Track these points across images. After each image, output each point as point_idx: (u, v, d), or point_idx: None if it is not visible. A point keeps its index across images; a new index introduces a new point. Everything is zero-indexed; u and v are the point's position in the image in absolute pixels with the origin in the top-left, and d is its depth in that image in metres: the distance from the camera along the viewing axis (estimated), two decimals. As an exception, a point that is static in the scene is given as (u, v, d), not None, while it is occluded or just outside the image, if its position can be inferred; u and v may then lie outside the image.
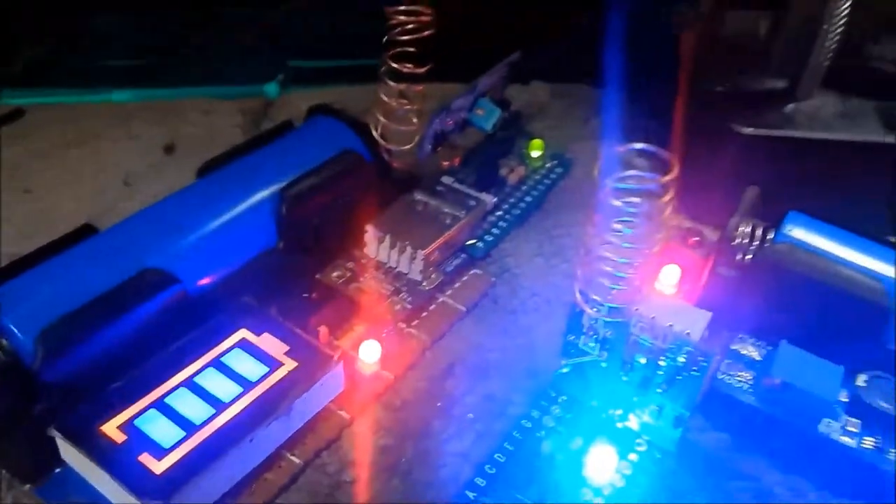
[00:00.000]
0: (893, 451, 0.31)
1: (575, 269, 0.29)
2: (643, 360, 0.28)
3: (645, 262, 0.26)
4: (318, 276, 0.35)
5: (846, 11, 0.41)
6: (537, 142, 0.44)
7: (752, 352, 0.34)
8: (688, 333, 0.29)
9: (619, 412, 0.30)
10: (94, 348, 0.27)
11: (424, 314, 0.36)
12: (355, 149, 0.37)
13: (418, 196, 0.38)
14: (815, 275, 0.33)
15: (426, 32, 0.33)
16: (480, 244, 0.39)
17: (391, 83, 0.34)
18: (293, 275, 0.34)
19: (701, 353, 0.27)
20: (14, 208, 0.39)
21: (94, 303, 0.27)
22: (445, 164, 0.40)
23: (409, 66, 0.34)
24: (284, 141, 0.36)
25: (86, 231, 0.31)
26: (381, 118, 0.35)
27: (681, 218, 0.44)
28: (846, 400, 0.32)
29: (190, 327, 0.30)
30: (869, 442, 0.31)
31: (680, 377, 0.28)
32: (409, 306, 0.35)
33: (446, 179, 0.40)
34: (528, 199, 0.42)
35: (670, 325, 0.29)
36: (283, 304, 0.33)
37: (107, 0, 0.47)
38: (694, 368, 0.28)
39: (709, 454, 0.31)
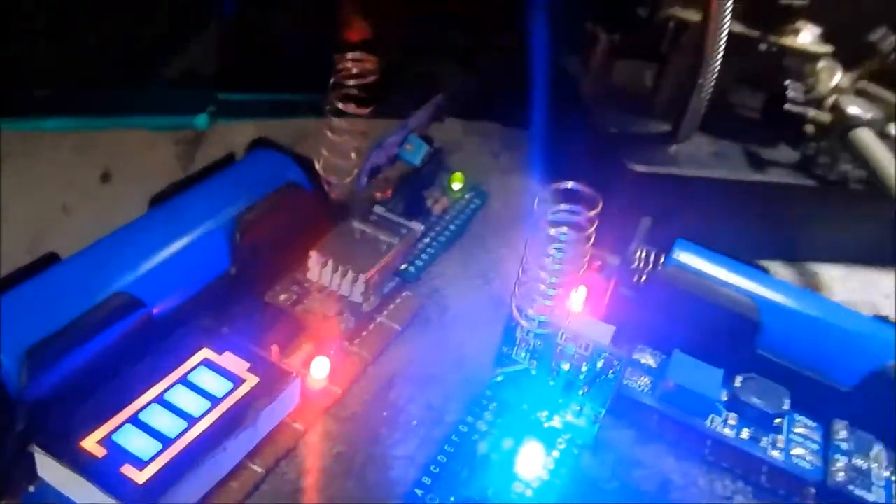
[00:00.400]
0: (766, 439, 0.37)
1: (513, 287, 0.33)
2: (567, 367, 0.33)
3: (571, 282, 0.31)
4: (266, 298, 0.38)
5: (718, 66, 0.48)
6: (458, 175, 0.49)
7: (649, 360, 0.40)
8: (605, 343, 0.34)
9: (546, 413, 0.35)
10: (72, 368, 0.29)
11: (364, 333, 0.39)
12: (298, 180, 0.40)
13: (356, 225, 0.41)
14: (699, 294, 0.39)
15: (370, 78, 0.37)
16: (412, 268, 0.43)
17: (335, 120, 0.38)
18: (245, 297, 0.37)
19: (616, 358, 0.32)
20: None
21: (71, 325, 0.29)
22: (378, 195, 0.43)
23: (353, 106, 0.38)
24: (232, 172, 0.39)
25: (50, 259, 0.32)
26: (325, 152, 0.39)
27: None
28: (726, 398, 0.38)
29: (155, 347, 0.32)
30: (745, 433, 0.37)
31: (598, 380, 0.33)
32: (351, 326, 0.38)
33: (378, 209, 0.44)
34: (452, 227, 0.46)
35: (589, 336, 0.34)
36: (237, 325, 0.36)
37: (34, 30, 0.48)
38: (610, 372, 0.33)
39: (617, 448, 0.36)
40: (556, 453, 0.35)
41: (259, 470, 0.32)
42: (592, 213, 0.30)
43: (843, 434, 0.38)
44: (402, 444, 0.34)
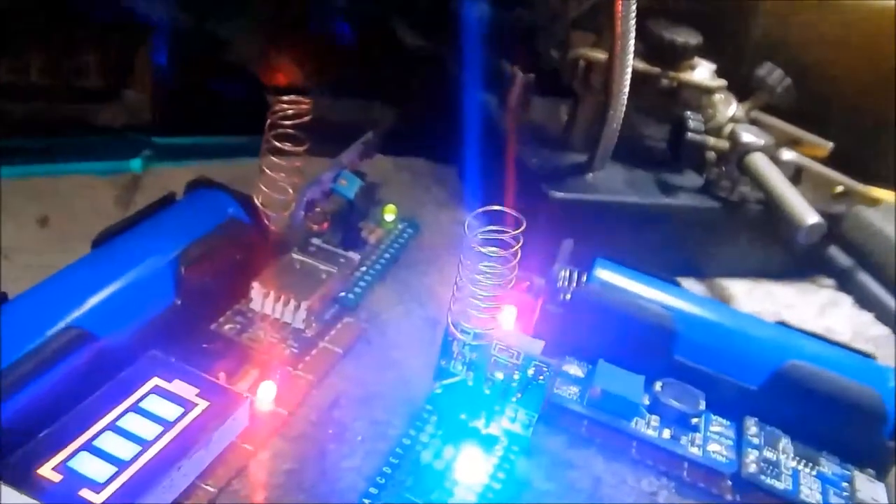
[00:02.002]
0: (685, 438, 0.40)
1: (449, 303, 0.36)
2: (501, 376, 0.36)
3: (501, 296, 0.34)
4: (212, 327, 0.40)
5: (624, 100, 0.52)
6: (390, 207, 0.51)
7: (577, 370, 0.43)
8: (535, 352, 0.37)
9: (483, 421, 0.37)
10: (28, 400, 0.30)
11: (308, 358, 0.41)
12: (238, 216, 0.42)
13: (295, 256, 0.43)
14: (620, 307, 0.43)
15: (304, 118, 0.39)
16: (351, 295, 0.45)
17: (273, 158, 0.40)
18: (192, 329, 0.38)
19: (545, 364, 0.35)
20: None
21: (22, 360, 0.30)
22: (315, 227, 0.46)
23: (289, 145, 0.40)
24: (174, 211, 0.41)
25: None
26: (264, 188, 0.41)
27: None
28: (648, 402, 0.42)
29: (107, 378, 0.33)
30: (667, 433, 0.40)
31: (529, 386, 0.36)
32: (295, 351, 0.40)
33: (316, 241, 0.46)
34: (387, 255, 0.49)
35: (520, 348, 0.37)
36: (186, 355, 0.37)
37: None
38: (540, 377, 0.35)
39: (551, 452, 0.39)
40: (494, 459, 0.37)
41: (212, 489, 0.33)
42: (516, 231, 0.33)
43: (753, 430, 0.42)
44: (349, 458, 0.36)
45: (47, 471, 0.29)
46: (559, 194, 0.52)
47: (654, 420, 0.41)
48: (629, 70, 0.51)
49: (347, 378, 0.41)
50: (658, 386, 0.42)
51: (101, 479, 0.29)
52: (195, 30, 0.53)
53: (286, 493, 0.34)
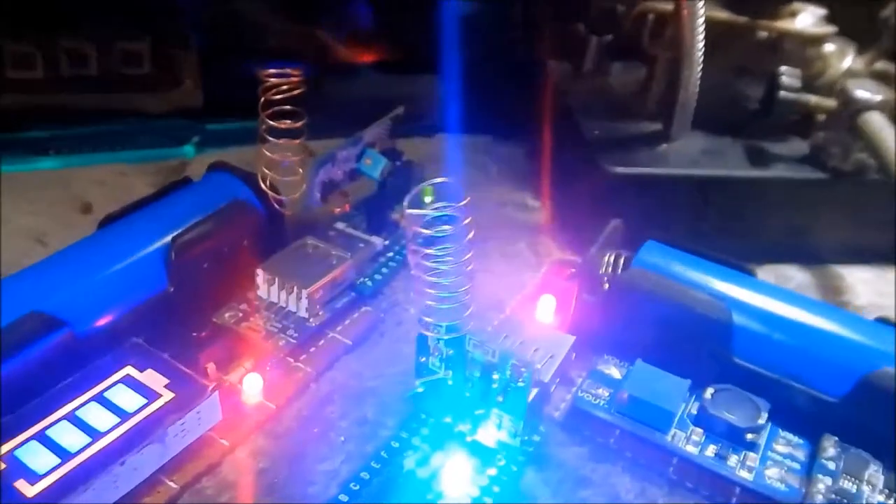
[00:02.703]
0: (735, 457, 0.33)
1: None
2: (478, 375, 0.31)
3: (468, 281, 0.29)
4: (213, 318, 0.38)
5: (700, 57, 0.45)
6: (427, 188, 0.47)
7: (614, 371, 0.37)
8: (511, 348, 0.33)
9: (469, 426, 0.32)
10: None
11: (313, 349, 0.38)
12: (246, 199, 0.40)
13: (310, 241, 0.41)
14: (665, 297, 0.36)
15: (296, 91, 0.37)
16: (369, 283, 0.42)
17: (271, 139, 0.38)
18: (184, 316, 0.37)
19: (523, 365, 0.30)
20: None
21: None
22: (336, 210, 0.43)
23: (287, 122, 0.37)
24: (179, 193, 0.40)
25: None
26: (266, 171, 0.39)
27: (565, 253, 0.47)
28: (695, 412, 0.35)
29: (81, 365, 0.33)
30: (711, 450, 0.34)
31: (509, 389, 0.31)
32: (293, 341, 0.37)
33: (339, 225, 0.43)
34: (419, 240, 0.45)
35: (516, 344, 0.32)
36: (175, 344, 0.36)
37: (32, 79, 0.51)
38: (519, 380, 0.30)
39: (566, 465, 0.34)
40: (486, 469, 0.32)
41: (174, 486, 0.31)
42: (461, 204, 0.28)
43: (831, 451, 0.34)
44: (328, 461, 0.33)
45: (-9, 459, 0.29)
46: (618, 169, 0.45)
47: (697, 433, 0.34)
48: (701, 21, 0.43)
49: (349, 372, 0.37)
50: (709, 393, 0.35)
51: (41, 471, 0.28)
52: (240, 14, 0.52)
53: (253, 495, 0.32)
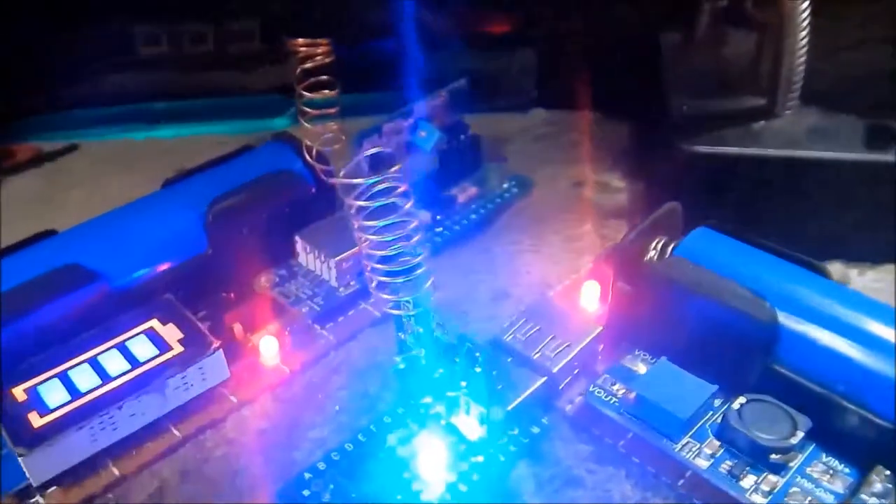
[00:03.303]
0: (752, 477, 0.29)
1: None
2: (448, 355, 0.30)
3: (415, 252, 0.28)
4: (252, 281, 0.40)
5: (806, 20, 0.39)
6: (491, 164, 0.46)
7: (640, 368, 0.34)
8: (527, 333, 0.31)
9: (443, 408, 0.31)
10: (28, 326, 0.33)
11: (341, 318, 0.38)
12: (292, 169, 0.41)
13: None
14: (700, 288, 0.32)
15: (328, 60, 0.37)
16: (408, 258, 0.41)
17: (309, 110, 0.38)
18: (221, 278, 0.39)
19: (477, 350, 0.28)
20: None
21: (18, 288, 0.34)
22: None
23: (324, 92, 0.38)
24: (234, 161, 0.42)
25: (47, 234, 0.37)
26: (307, 142, 0.39)
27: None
28: (720, 421, 0.31)
29: (114, 315, 0.35)
30: (726, 466, 0.29)
31: (470, 373, 0.29)
32: (318, 309, 0.38)
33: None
34: (473, 217, 0.44)
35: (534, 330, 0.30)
36: (209, 304, 0.38)
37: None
38: (476, 367, 0.28)
39: (560, 463, 0.31)
40: (480, 458, 0.31)
41: (178, 435, 0.33)
42: (393, 170, 0.27)
43: (877, 486, 0.28)
44: (319, 428, 0.33)
45: (19, 391, 0.32)
46: (694, 147, 0.41)
47: (712, 446, 0.30)
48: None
49: (366, 345, 0.37)
50: (738, 402, 0.31)
51: (52, 406, 0.31)
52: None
53: (248, 454, 0.33)
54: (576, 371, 0.34)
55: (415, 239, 0.28)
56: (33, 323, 0.34)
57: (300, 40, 0.37)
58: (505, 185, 0.46)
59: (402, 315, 0.30)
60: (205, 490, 0.31)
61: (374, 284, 0.29)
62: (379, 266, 0.28)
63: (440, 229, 0.43)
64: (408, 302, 0.29)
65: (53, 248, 0.36)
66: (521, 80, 0.55)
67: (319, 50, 0.37)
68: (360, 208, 0.28)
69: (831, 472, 0.29)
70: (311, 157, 0.40)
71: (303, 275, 0.40)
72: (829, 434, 0.30)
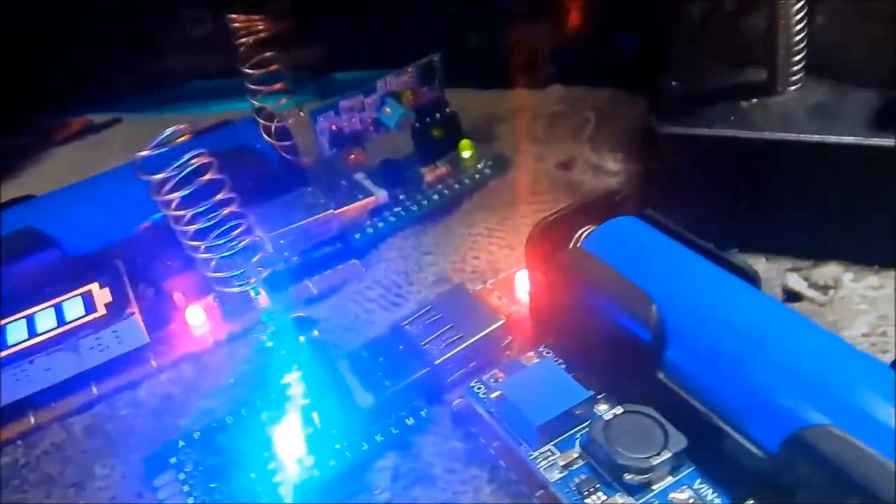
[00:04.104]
0: (599, 497, 0.26)
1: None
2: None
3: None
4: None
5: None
6: (465, 142, 0.44)
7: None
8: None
9: (300, 390, 0.30)
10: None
11: (281, 293, 0.39)
12: (254, 146, 0.42)
13: (309, 189, 0.41)
14: (590, 283, 0.29)
15: (262, 35, 0.37)
16: (358, 235, 0.40)
17: (252, 86, 0.39)
18: (169, 248, 0.40)
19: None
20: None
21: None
22: (351, 159, 0.42)
23: (265, 68, 0.38)
24: (205, 136, 0.43)
25: (26, 198, 0.41)
26: (260, 120, 0.40)
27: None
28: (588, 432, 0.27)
29: (68, 275, 0.38)
30: (577, 480, 0.26)
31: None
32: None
33: (358, 175, 0.43)
34: (436, 197, 0.42)
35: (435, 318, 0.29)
36: (159, 273, 0.40)
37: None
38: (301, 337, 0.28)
39: (421, 458, 0.30)
40: (339, 445, 0.30)
41: (95, 393, 0.35)
42: (196, 160, 0.26)
43: (742, 522, 0.24)
44: (213, 399, 0.34)
45: (-39, 340, 0.36)
46: (667, 129, 0.36)
47: (567, 457, 0.27)
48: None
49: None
50: (612, 412, 0.27)
51: (-20, 356, 0.34)
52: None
53: (144, 416, 0.34)
54: (472, 364, 0.32)
55: (226, 210, 0.28)
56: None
57: (238, 16, 0.37)
58: (479, 165, 0.44)
59: (251, 292, 0.30)
60: (100, 446, 0.33)
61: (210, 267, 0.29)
62: (194, 242, 0.28)
63: (398, 209, 0.42)
64: (246, 279, 0.29)
65: (22, 213, 0.39)
66: (537, 56, 0.52)
67: (259, 26, 0.37)
68: (169, 201, 0.27)
69: (696, 500, 0.25)
70: (268, 134, 0.41)
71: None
72: (709, 459, 0.26)
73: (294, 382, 0.30)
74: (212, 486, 0.30)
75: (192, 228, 0.28)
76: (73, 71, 0.58)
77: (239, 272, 0.29)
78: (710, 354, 0.26)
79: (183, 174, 0.26)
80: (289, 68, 0.58)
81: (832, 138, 0.34)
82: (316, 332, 0.29)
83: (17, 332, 0.35)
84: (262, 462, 0.30)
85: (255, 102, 0.40)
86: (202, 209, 0.27)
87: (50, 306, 0.37)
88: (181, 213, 0.27)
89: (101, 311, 0.36)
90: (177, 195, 0.27)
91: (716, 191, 0.37)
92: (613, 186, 0.43)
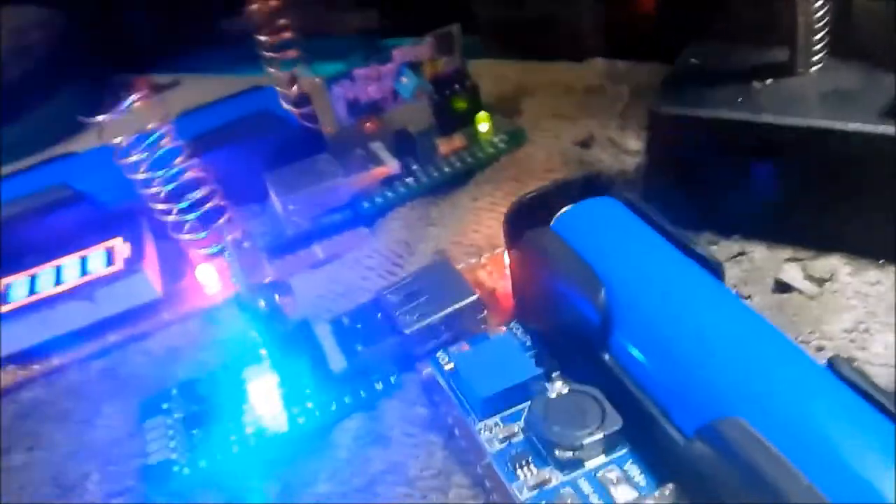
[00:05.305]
0: (528, 470, 0.26)
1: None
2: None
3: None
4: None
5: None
6: (482, 115, 0.44)
7: (498, 339, 0.31)
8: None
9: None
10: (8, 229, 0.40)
11: (289, 256, 0.41)
12: (275, 112, 0.43)
13: (324, 156, 0.43)
14: (547, 262, 0.29)
15: (273, 4, 0.38)
16: (367, 204, 0.42)
17: (269, 54, 0.40)
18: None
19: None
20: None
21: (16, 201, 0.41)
22: (367, 127, 0.43)
23: (283, 35, 0.39)
24: (233, 100, 0.45)
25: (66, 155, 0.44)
26: (280, 90, 0.41)
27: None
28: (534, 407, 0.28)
29: (98, 228, 0.41)
30: (512, 453, 0.27)
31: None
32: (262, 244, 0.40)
33: (375, 144, 0.44)
34: (447, 169, 0.43)
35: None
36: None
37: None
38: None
39: (382, 421, 0.31)
40: (311, 404, 0.32)
41: (111, 340, 0.38)
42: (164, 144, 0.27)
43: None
44: (210, 352, 0.36)
45: (2, 283, 0.39)
46: (664, 109, 0.35)
47: (507, 430, 0.27)
48: None
49: (303, 284, 0.39)
50: (557, 390, 0.28)
51: (13, 299, 0.38)
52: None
53: (150, 365, 0.37)
54: (444, 336, 0.33)
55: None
56: (28, 229, 0.41)
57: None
58: (495, 139, 0.44)
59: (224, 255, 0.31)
60: (110, 388, 0.36)
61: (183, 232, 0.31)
62: (162, 206, 0.30)
63: (409, 180, 0.42)
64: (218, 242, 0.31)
65: (62, 169, 0.43)
66: (579, 27, 0.51)
67: (270, 3, 0.38)
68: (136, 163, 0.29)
69: (623, 481, 0.25)
70: (288, 102, 0.42)
71: (268, 213, 0.43)
72: (642, 441, 0.26)
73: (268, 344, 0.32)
74: (193, 432, 0.32)
75: (170, 206, 0.29)
76: (140, 30, 0.62)
77: (203, 234, 0.30)
78: (650, 339, 0.26)
79: (156, 155, 0.28)
80: (339, 32, 0.61)
81: (838, 124, 0.32)
82: (278, 297, 0.30)
83: (47, 279, 0.39)
84: (238, 414, 0.32)
85: (271, 70, 0.41)
86: (174, 186, 0.29)
87: (77, 258, 0.40)
88: (147, 175, 0.29)
89: (119, 264, 0.39)
90: (149, 174, 0.28)
91: (716, 175, 0.35)
92: (628, 167, 0.42)
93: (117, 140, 0.28)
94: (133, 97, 0.28)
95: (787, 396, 0.22)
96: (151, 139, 0.28)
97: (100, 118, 0.29)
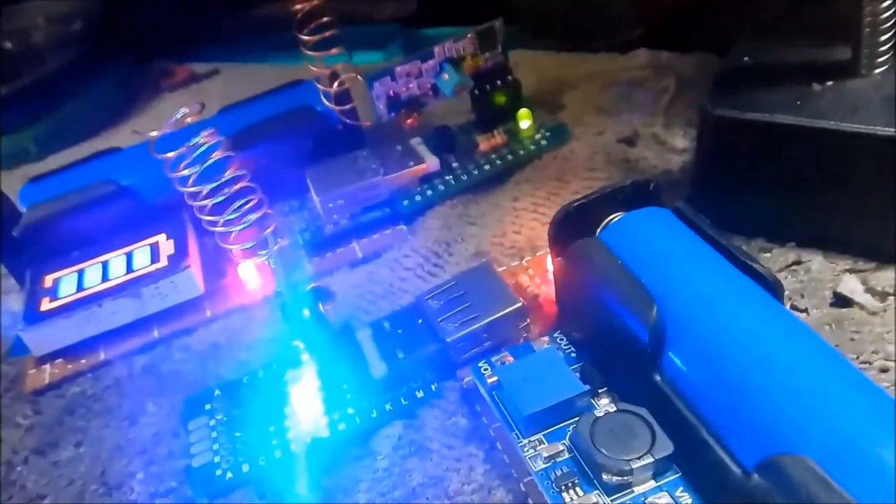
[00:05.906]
0: (575, 493, 0.26)
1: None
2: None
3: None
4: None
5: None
6: (524, 111, 0.43)
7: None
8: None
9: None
10: (56, 224, 0.41)
11: (329, 254, 0.40)
12: (316, 108, 0.43)
13: (363, 153, 0.42)
14: (595, 276, 0.28)
15: (315, 2, 0.37)
16: (406, 202, 0.41)
17: (311, 52, 0.39)
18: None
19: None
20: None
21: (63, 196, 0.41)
22: (407, 124, 0.43)
23: (321, 34, 0.39)
24: (274, 95, 0.45)
25: (111, 150, 0.45)
26: (319, 86, 0.41)
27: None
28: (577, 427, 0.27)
29: (142, 224, 0.42)
30: (557, 473, 0.26)
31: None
32: (301, 242, 0.40)
33: (414, 140, 0.43)
34: (487, 167, 0.42)
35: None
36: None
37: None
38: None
39: (423, 431, 0.31)
40: (351, 409, 0.32)
41: (155, 336, 0.39)
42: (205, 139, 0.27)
43: (708, 538, 0.24)
44: (250, 351, 0.36)
45: (48, 279, 0.40)
46: (719, 111, 0.34)
47: (551, 449, 0.27)
48: None
49: (343, 282, 0.39)
50: (604, 409, 0.27)
51: (61, 295, 0.39)
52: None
53: (192, 361, 0.37)
54: (486, 343, 0.32)
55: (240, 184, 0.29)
56: (73, 224, 0.41)
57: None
58: (536, 136, 0.43)
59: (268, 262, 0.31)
60: (154, 385, 0.37)
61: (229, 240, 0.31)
62: (210, 217, 0.30)
63: (449, 177, 0.42)
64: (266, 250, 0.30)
65: (106, 164, 0.43)
66: (622, 18, 0.49)
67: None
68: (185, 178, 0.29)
69: (672, 508, 0.25)
70: (328, 99, 0.42)
71: (308, 209, 0.42)
72: (694, 468, 0.25)
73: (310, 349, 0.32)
74: (236, 434, 0.32)
75: (207, 203, 0.29)
76: (180, 20, 0.61)
77: (251, 245, 0.30)
78: (706, 363, 0.25)
79: (196, 153, 0.28)
80: (375, 20, 0.60)
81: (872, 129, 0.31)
82: (321, 307, 0.30)
83: (94, 275, 0.39)
84: (280, 418, 0.32)
85: (313, 68, 0.41)
86: (215, 185, 0.29)
87: (123, 254, 0.40)
88: (196, 189, 0.29)
89: (164, 261, 0.39)
90: (189, 171, 0.28)
91: (771, 181, 0.34)
92: (674, 167, 0.41)
93: (171, 155, 0.28)
94: (184, 110, 0.27)
95: (855, 433, 0.21)
96: (195, 144, 0.28)
97: (153, 133, 0.28)
